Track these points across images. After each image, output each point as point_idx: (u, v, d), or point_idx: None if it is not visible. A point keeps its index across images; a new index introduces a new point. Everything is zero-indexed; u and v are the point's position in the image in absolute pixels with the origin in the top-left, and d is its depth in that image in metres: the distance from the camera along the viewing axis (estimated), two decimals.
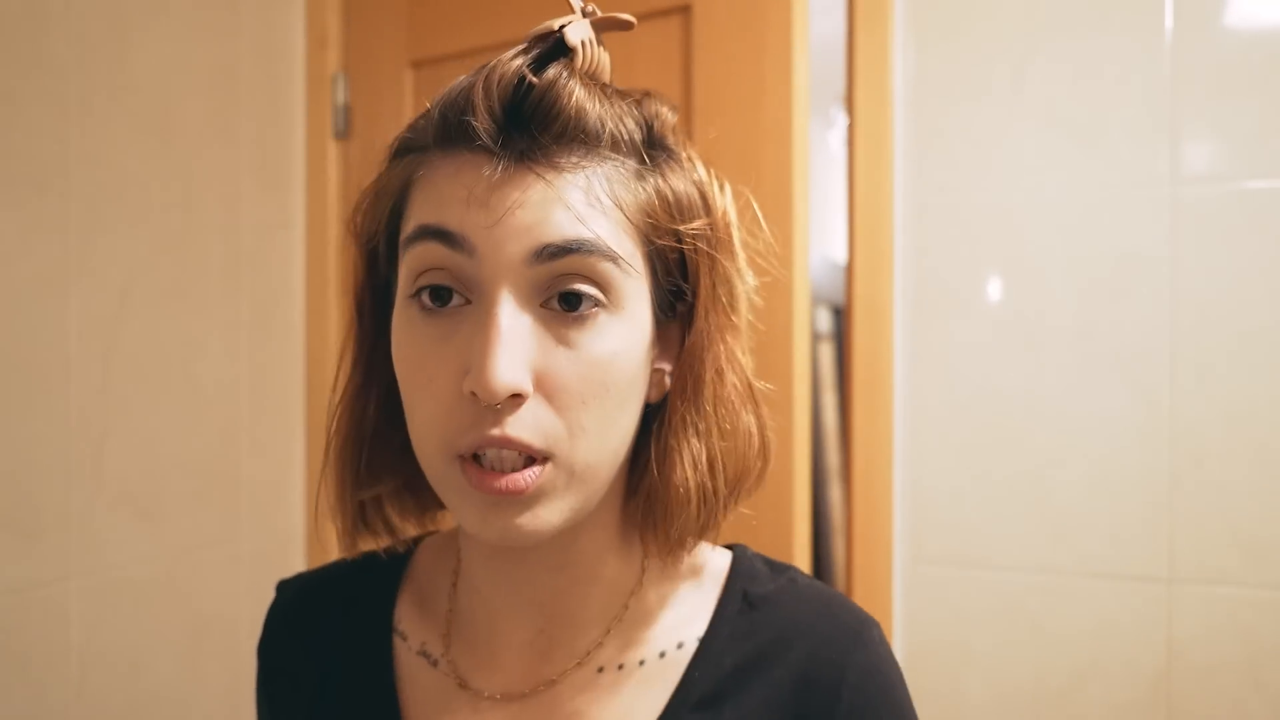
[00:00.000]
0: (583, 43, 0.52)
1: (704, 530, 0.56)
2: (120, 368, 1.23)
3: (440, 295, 0.51)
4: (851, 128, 1.27)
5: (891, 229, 1.25)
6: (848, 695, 0.56)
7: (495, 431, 0.48)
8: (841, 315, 2.67)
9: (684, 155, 0.57)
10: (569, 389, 0.49)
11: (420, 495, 0.63)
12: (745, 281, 0.60)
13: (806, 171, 1.23)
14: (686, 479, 0.54)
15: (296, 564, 1.56)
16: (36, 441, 1.13)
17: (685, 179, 0.56)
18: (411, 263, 0.51)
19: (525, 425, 0.49)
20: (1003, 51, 1.21)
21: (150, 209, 1.27)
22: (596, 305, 0.50)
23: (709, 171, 0.59)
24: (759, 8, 1.23)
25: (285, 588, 0.70)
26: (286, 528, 1.54)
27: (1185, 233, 1.13)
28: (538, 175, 0.49)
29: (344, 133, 1.57)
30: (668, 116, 0.57)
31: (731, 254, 0.59)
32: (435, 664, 0.61)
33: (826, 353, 2.65)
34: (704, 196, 0.57)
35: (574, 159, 0.50)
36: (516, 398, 0.48)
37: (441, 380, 0.50)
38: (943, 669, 1.21)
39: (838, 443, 2.55)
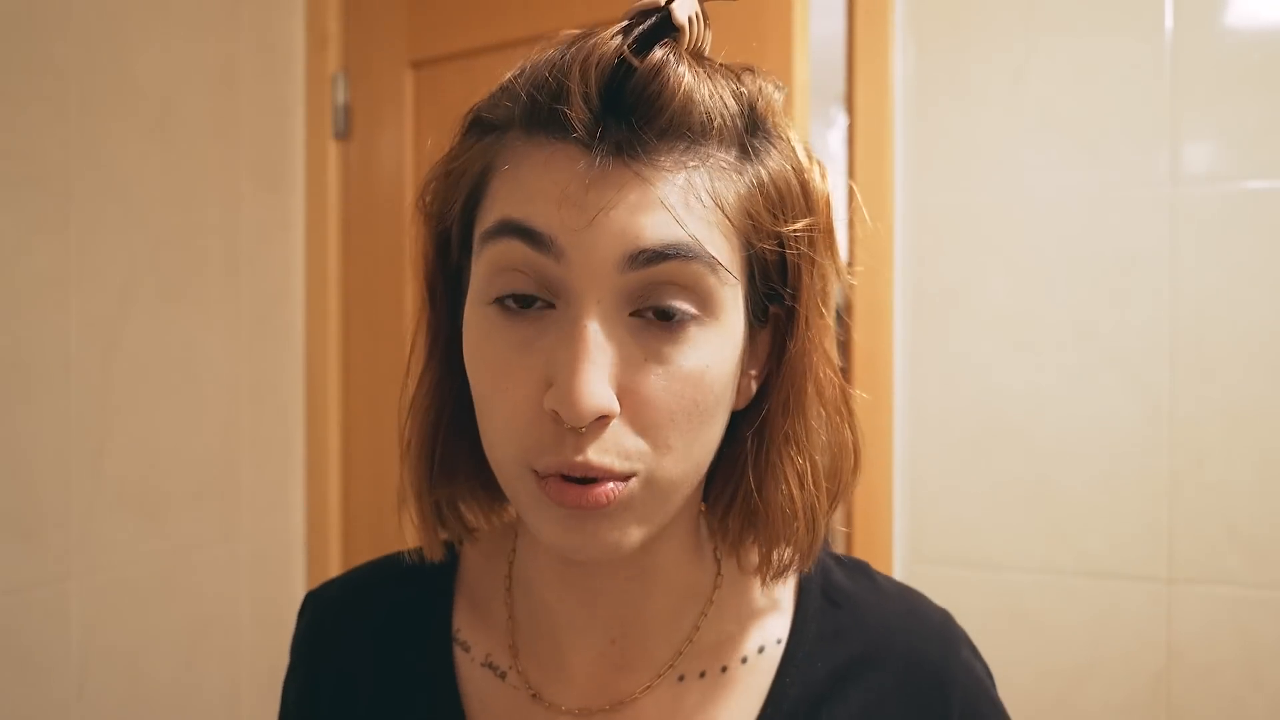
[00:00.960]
0: (690, 19, 0.46)
1: (814, 550, 0.53)
2: (120, 368, 1.23)
3: (523, 297, 0.47)
4: (851, 128, 1.27)
5: (891, 229, 1.25)
6: (958, 698, 0.56)
7: (578, 458, 0.45)
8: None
9: (785, 138, 0.52)
10: (657, 406, 0.46)
11: (493, 490, 0.58)
12: (843, 277, 0.55)
13: None
14: (794, 498, 0.51)
15: (296, 564, 1.56)
16: (36, 441, 1.12)
17: (786, 167, 0.50)
18: (491, 259, 0.47)
19: (609, 449, 0.45)
20: (1003, 51, 1.21)
21: (150, 209, 1.27)
22: (691, 318, 0.46)
23: (810, 155, 0.53)
24: (759, 8, 1.23)
25: (318, 597, 0.66)
26: (286, 528, 1.54)
27: (1185, 233, 1.13)
28: (635, 174, 0.44)
29: (344, 133, 1.57)
30: (773, 95, 0.51)
31: (832, 249, 0.53)
32: (503, 676, 0.57)
33: None
34: (804, 184, 0.51)
35: (676, 154, 0.45)
36: (602, 419, 0.45)
37: (520, 391, 0.46)
38: None
39: None
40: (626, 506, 0.47)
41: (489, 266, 0.47)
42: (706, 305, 0.46)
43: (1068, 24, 1.18)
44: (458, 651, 0.59)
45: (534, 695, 0.56)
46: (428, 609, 0.61)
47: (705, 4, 0.49)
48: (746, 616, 0.58)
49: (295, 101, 1.57)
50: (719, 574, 0.58)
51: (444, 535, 0.58)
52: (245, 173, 1.45)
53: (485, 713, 0.56)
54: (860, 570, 0.61)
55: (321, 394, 1.56)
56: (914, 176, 1.25)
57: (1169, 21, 1.13)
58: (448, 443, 0.56)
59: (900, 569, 1.24)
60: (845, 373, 1.43)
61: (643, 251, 0.44)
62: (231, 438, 1.42)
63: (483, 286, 0.48)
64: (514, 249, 0.46)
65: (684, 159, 0.46)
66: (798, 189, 0.51)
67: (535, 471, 0.46)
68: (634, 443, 0.46)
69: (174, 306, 1.31)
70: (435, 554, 0.58)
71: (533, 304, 0.46)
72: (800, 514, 0.51)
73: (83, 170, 1.18)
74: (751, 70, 0.52)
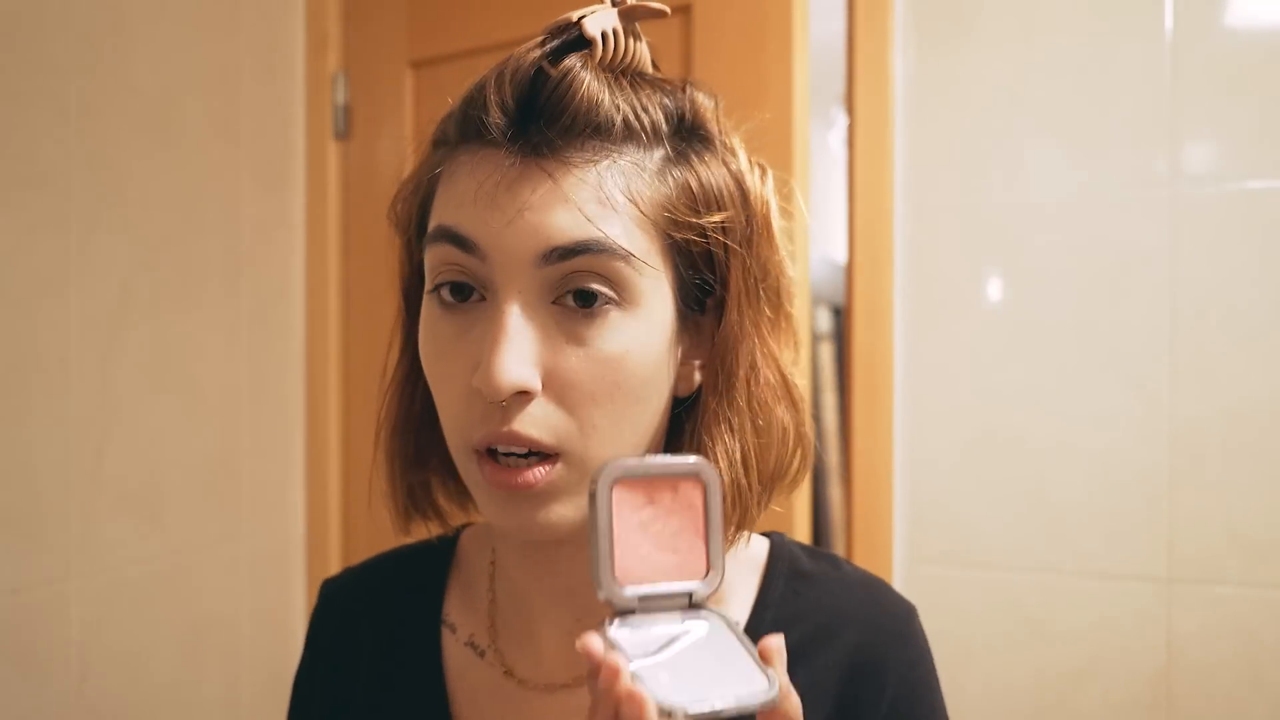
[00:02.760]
0: (604, 33, 0.50)
1: (739, 529, 0.55)
2: (120, 368, 1.23)
3: (460, 290, 0.51)
4: (851, 128, 1.27)
5: (891, 229, 1.25)
6: (892, 688, 0.57)
7: (504, 428, 0.49)
8: (841, 315, 2.67)
9: (722, 143, 0.56)
10: (579, 386, 0.49)
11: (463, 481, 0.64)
12: (787, 273, 0.59)
13: (807, 171, 1.23)
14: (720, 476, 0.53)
15: (296, 564, 1.56)
16: (36, 441, 1.12)
17: (720, 169, 0.54)
18: (430, 260, 0.52)
19: (533, 422, 0.49)
20: (1003, 52, 1.21)
21: (150, 209, 1.27)
22: (609, 303, 0.50)
23: (750, 160, 0.58)
24: (759, 8, 1.23)
25: (331, 583, 0.71)
26: (286, 528, 1.54)
27: (1185, 233, 1.13)
28: (546, 174, 0.49)
29: (344, 133, 1.57)
30: (704, 103, 0.56)
31: (770, 244, 0.57)
32: (482, 654, 0.61)
33: (826, 353, 2.65)
34: (741, 186, 0.55)
35: (587, 154, 0.49)
36: (524, 395, 0.49)
37: (458, 374, 0.51)
38: (942, 669, 1.21)
39: (838, 443, 2.55)
40: (557, 489, 0.51)
41: (430, 266, 0.53)
42: (624, 292, 0.50)
43: (1068, 24, 1.18)
44: (445, 632, 0.63)
45: (507, 672, 0.60)
46: (423, 593, 0.65)
47: (641, 20, 0.53)
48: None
49: (295, 101, 1.57)
50: None
51: (420, 523, 0.63)
52: (245, 173, 1.44)
53: (464, 688, 0.61)
54: (828, 559, 0.64)
55: (321, 394, 1.56)
56: (914, 176, 1.25)
57: (1169, 21, 1.13)
58: (419, 432, 0.61)
59: (900, 569, 1.24)
60: (845, 372, 1.43)
61: (555, 249, 0.48)
62: (231, 438, 1.42)
63: (428, 282, 0.53)
64: (446, 250, 0.51)
65: (596, 157, 0.50)
66: (732, 189, 0.54)
67: (475, 451, 0.51)
68: (559, 420, 0.50)
69: (174, 306, 1.31)
70: (404, 533, 0.63)
71: (468, 295, 0.51)
72: (726, 493, 0.53)
73: (83, 170, 1.18)
74: (689, 82, 0.56)
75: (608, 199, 0.49)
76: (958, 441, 1.22)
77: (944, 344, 1.23)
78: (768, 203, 0.57)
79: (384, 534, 0.66)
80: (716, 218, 0.53)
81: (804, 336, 1.24)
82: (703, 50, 1.27)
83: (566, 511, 0.51)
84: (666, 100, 0.53)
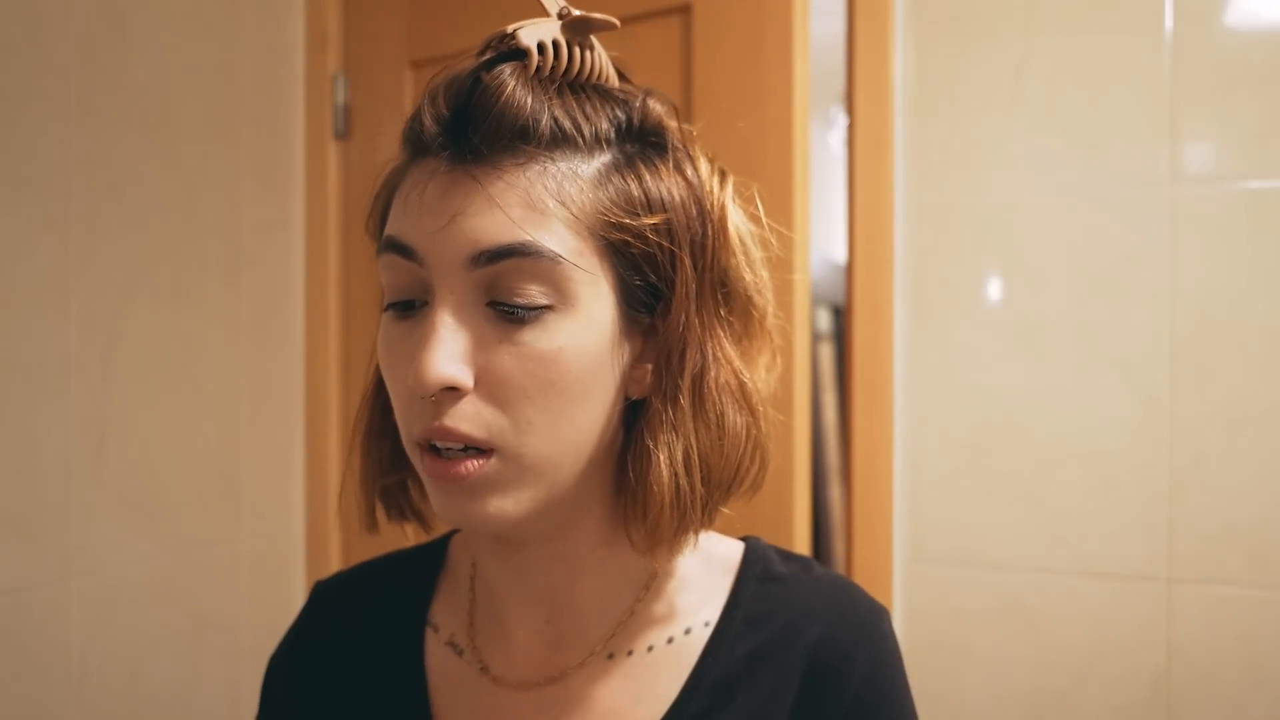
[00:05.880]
0: (540, 44, 0.51)
1: (681, 531, 0.55)
2: (120, 368, 1.23)
3: (407, 306, 0.53)
4: (851, 128, 1.27)
5: (891, 229, 1.25)
6: (854, 688, 0.57)
7: (435, 423, 0.51)
8: (841, 315, 2.67)
9: (677, 150, 0.57)
10: (510, 384, 0.50)
11: None
12: (746, 277, 0.59)
13: (807, 171, 1.23)
14: (662, 478, 0.53)
15: (296, 564, 1.56)
16: (36, 441, 1.12)
17: (671, 175, 0.55)
18: (381, 269, 0.54)
19: (464, 417, 0.51)
20: (1003, 51, 1.21)
21: (150, 209, 1.27)
22: (541, 303, 0.50)
23: (711, 165, 0.58)
24: (759, 8, 1.23)
25: (322, 584, 0.72)
26: (286, 528, 1.54)
27: (1185, 233, 1.13)
28: (474, 179, 0.50)
29: (344, 133, 1.57)
30: (655, 110, 0.57)
31: (728, 250, 0.58)
32: (461, 653, 0.62)
33: (826, 353, 2.65)
34: (695, 192, 0.56)
35: (517, 159, 0.51)
36: (454, 391, 0.50)
37: (401, 375, 0.53)
38: (942, 669, 1.21)
39: (838, 443, 2.55)
40: (494, 482, 0.52)
41: (382, 279, 0.55)
42: (556, 293, 0.51)
43: (1068, 24, 1.18)
44: (429, 633, 0.65)
45: (483, 669, 0.61)
46: (412, 595, 0.67)
47: (593, 32, 0.54)
48: (681, 601, 0.61)
49: (295, 101, 1.57)
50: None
51: (402, 521, 0.65)
52: (245, 173, 1.44)
53: (444, 686, 0.62)
54: (801, 562, 0.64)
55: (322, 394, 1.56)
56: (914, 176, 1.25)
57: (1169, 21, 1.13)
58: (394, 437, 0.61)
59: (900, 569, 1.24)
60: (845, 372, 1.43)
61: (483, 252, 0.50)
62: (231, 438, 1.42)
63: (384, 297, 0.55)
64: (392, 260, 0.53)
65: (525, 162, 0.51)
66: (681, 196, 0.55)
67: (419, 445, 0.52)
68: (492, 417, 0.51)
69: (174, 306, 1.31)
70: (373, 529, 0.64)
71: (414, 303, 0.53)
72: (667, 496, 0.53)
73: (83, 170, 1.18)
74: (646, 93, 0.57)
75: (536, 203, 0.50)
76: (958, 442, 1.23)
77: (944, 344, 1.23)
78: (725, 208, 0.58)
79: (383, 534, 0.66)
80: (653, 220, 0.53)
81: (803, 337, 1.24)
82: (702, 50, 1.27)
83: (507, 505, 0.52)
84: (616, 109, 0.55)
